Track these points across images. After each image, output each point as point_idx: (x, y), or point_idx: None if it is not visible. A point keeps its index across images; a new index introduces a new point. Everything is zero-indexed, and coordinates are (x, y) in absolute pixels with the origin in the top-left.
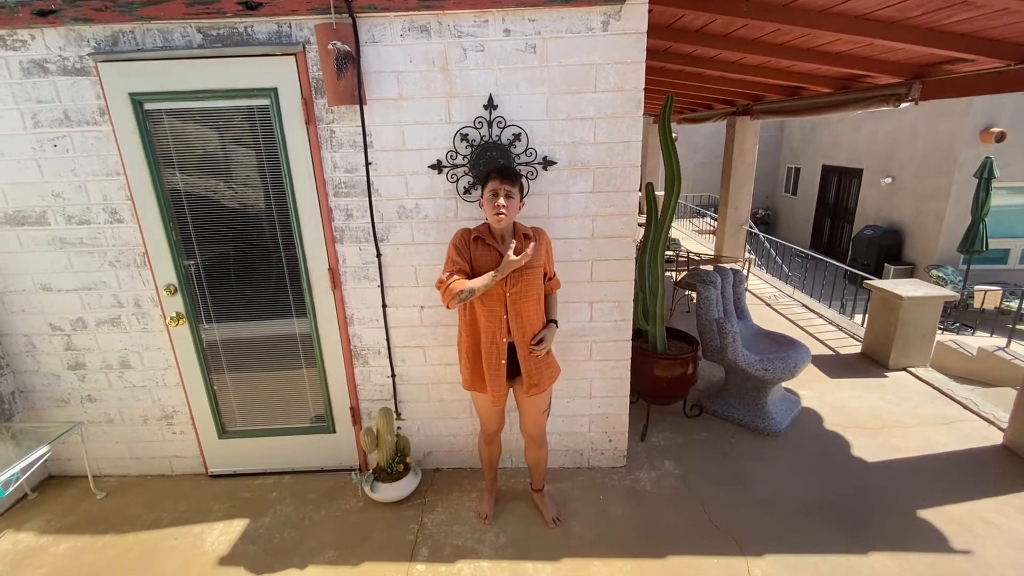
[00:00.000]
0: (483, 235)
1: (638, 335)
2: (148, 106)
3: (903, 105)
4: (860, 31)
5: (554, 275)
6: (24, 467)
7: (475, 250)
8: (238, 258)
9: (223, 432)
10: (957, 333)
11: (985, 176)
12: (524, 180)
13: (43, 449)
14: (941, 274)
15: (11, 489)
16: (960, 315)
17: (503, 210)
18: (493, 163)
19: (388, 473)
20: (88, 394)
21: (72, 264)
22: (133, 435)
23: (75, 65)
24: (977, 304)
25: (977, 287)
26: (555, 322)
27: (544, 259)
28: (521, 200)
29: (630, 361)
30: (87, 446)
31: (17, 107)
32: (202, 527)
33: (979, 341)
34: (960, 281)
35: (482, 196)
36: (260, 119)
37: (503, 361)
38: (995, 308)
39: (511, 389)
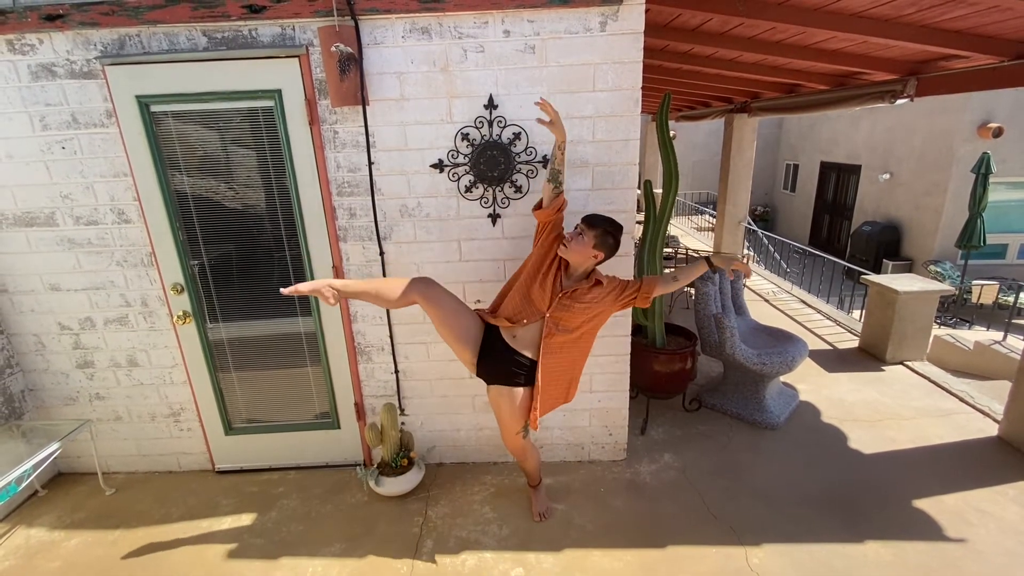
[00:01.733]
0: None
1: (637, 331)
2: (154, 108)
3: (899, 102)
4: (854, 29)
5: (636, 290)
6: (35, 464)
7: (550, 257)
8: (243, 257)
9: (229, 429)
10: (954, 328)
11: (982, 171)
12: (524, 177)
13: (53, 446)
14: (939, 269)
15: (23, 486)
16: (958, 310)
17: (565, 241)
18: (494, 162)
19: (392, 468)
20: (96, 392)
21: (80, 264)
22: (141, 432)
23: (83, 68)
24: (975, 299)
25: (974, 282)
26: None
27: (602, 312)
28: (595, 249)
29: (629, 356)
30: (96, 443)
31: (26, 110)
32: (210, 521)
33: (976, 335)
34: (958, 276)
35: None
36: (264, 120)
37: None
38: (992, 302)
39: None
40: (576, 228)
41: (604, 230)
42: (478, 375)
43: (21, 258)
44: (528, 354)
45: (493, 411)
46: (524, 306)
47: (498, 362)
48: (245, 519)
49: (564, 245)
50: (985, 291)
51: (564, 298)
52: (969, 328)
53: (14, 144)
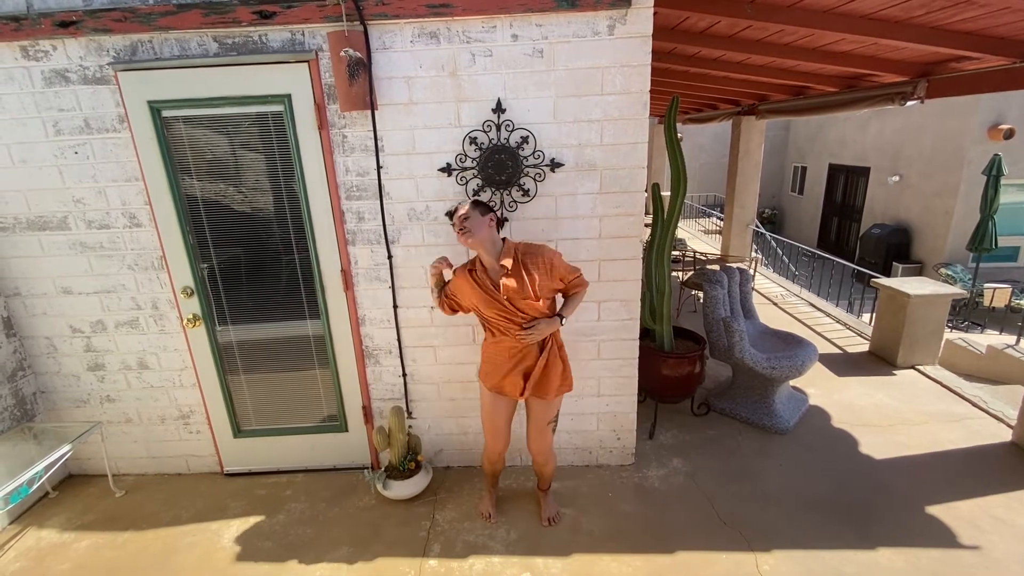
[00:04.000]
0: (474, 267)
1: (645, 334)
2: (166, 113)
3: (909, 103)
4: (864, 31)
5: (572, 279)
6: (46, 466)
7: (472, 280)
8: (252, 261)
9: (238, 431)
10: (966, 331)
11: (994, 173)
12: (532, 181)
13: (65, 448)
14: (950, 272)
15: (34, 487)
16: (969, 313)
17: (464, 226)
18: (501, 166)
19: (400, 471)
20: (107, 394)
21: (92, 268)
22: (151, 435)
23: (95, 74)
24: (987, 302)
25: (987, 285)
26: (560, 316)
27: (539, 283)
28: (490, 215)
29: (638, 360)
30: (106, 445)
31: (39, 115)
32: (219, 524)
33: (988, 339)
34: (969, 279)
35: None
36: (274, 125)
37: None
38: (1005, 306)
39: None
40: (458, 223)
41: (472, 203)
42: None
43: (34, 262)
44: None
45: (528, 413)
46: (503, 326)
47: None
48: (253, 521)
49: (465, 237)
50: (997, 294)
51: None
52: (981, 332)
53: (28, 149)
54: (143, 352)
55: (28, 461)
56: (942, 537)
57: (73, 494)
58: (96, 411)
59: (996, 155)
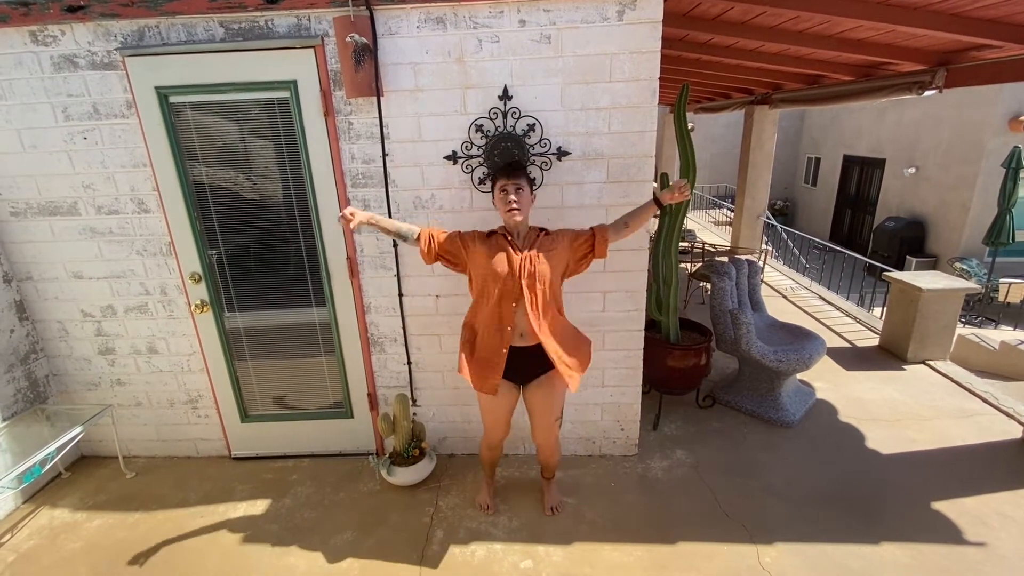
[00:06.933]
0: (499, 231)
1: (651, 325)
2: (173, 99)
3: (927, 93)
4: (882, 17)
5: (590, 236)
6: (58, 447)
7: (488, 243)
8: (259, 248)
9: (245, 416)
10: (980, 327)
11: (1013, 166)
12: (538, 170)
13: (77, 430)
14: (965, 267)
15: (47, 468)
16: (983, 308)
17: (515, 204)
18: (507, 154)
19: (404, 457)
20: (118, 378)
21: (102, 253)
22: (160, 418)
23: (103, 60)
24: (1001, 297)
25: (1002, 280)
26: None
27: (562, 256)
28: (532, 193)
29: (643, 351)
30: (117, 428)
31: (49, 101)
32: (226, 506)
33: (1002, 335)
34: (985, 274)
35: (493, 197)
36: (280, 111)
37: (504, 351)
38: (1020, 301)
39: (519, 394)
40: (507, 188)
41: (520, 166)
42: (516, 384)
43: (45, 247)
44: (532, 341)
45: (531, 412)
46: (501, 308)
47: (523, 363)
48: (260, 505)
49: (515, 209)
50: (1013, 289)
51: (529, 253)
52: (995, 327)
53: (38, 134)
54: (152, 337)
55: (41, 442)
56: (948, 533)
57: (85, 475)
58: (107, 394)
59: (1016, 147)
